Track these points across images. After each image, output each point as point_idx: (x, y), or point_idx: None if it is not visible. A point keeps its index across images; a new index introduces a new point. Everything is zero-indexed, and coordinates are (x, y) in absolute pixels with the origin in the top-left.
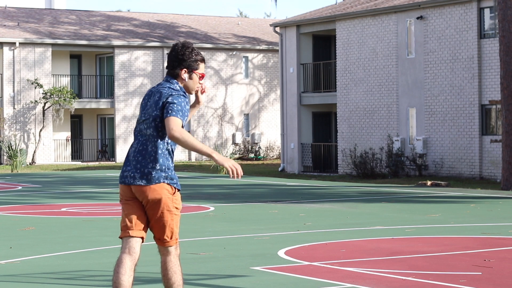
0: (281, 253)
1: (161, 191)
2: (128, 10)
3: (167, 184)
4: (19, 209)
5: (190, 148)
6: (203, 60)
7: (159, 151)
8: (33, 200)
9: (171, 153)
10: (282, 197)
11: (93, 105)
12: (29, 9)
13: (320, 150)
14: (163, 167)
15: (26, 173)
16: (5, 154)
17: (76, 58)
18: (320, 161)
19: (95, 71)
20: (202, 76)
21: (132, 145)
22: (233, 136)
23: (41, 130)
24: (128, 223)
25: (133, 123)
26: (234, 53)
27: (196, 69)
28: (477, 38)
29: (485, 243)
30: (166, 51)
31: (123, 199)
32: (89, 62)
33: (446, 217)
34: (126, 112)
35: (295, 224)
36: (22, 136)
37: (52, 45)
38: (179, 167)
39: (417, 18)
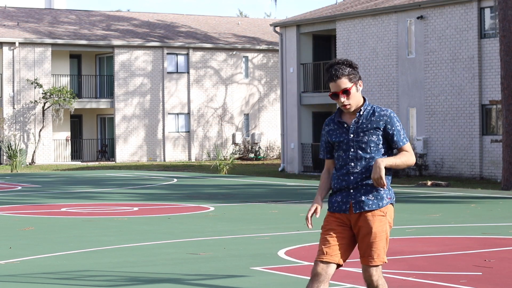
0: (281, 253)
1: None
2: (128, 10)
3: None
4: (19, 209)
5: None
6: (329, 79)
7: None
8: (33, 200)
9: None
10: (282, 197)
11: (93, 105)
12: (29, 9)
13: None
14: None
15: (25, 173)
16: (4, 154)
17: (75, 58)
18: (321, 161)
19: (95, 71)
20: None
21: None
22: (233, 136)
23: (40, 130)
24: None
25: (133, 123)
26: (234, 53)
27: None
28: (477, 38)
29: (485, 243)
30: (166, 51)
31: None
32: (89, 62)
33: (446, 217)
34: (126, 112)
35: (295, 224)
36: (21, 136)
37: (52, 45)
38: (179, 167)
39: (417, 18)
